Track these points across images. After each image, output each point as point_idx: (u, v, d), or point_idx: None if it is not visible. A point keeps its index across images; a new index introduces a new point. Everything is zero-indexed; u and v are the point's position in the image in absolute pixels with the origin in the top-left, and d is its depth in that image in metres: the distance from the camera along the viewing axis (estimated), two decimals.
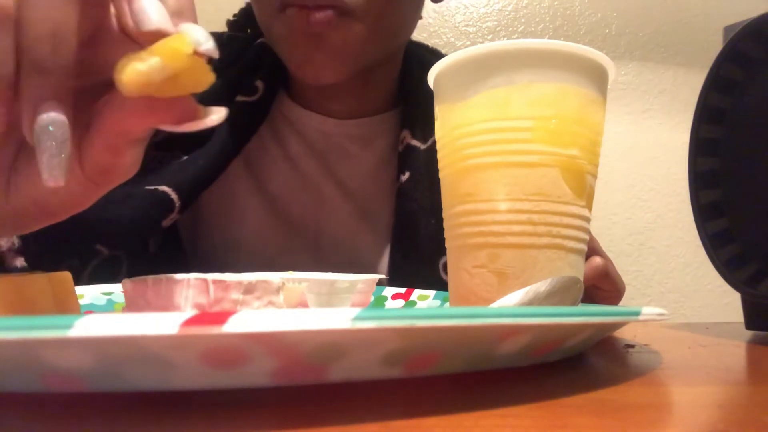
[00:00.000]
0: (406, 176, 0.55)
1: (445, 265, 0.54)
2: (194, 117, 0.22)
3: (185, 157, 0.51)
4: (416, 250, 0.54)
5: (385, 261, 0.57)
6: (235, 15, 0.64)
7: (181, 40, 0.20)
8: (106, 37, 0.22)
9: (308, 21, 0.45)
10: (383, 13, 0.47)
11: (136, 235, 0.48)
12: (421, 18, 0.55)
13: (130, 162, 0.24)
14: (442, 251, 0.54)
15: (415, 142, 0.56)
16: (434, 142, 0.33)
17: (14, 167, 0.24)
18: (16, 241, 0.45)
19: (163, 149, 0.52)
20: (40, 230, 0.47)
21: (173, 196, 0.49)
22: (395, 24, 0.50)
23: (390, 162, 0.59)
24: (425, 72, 0.33)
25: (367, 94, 0.58)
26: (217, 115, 0.22)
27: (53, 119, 0.20)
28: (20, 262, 0.45)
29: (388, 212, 0.57)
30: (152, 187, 0.48)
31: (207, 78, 0.21)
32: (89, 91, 0.23)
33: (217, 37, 0.60)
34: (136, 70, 0.20)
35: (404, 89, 0.59)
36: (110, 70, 0.21)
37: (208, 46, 0.21)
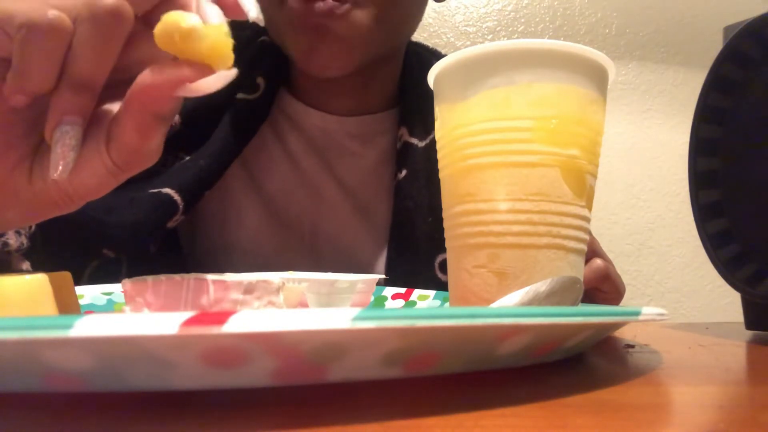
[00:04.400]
0: (403, 174, 0.55)
1: (441, 264, 0.54)
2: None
3: (187, 158, 0.51)
4: (412, 248, 0.54)
5: (382, 260, 0.57)
6: None
7: (218, 28, 0.23)
8: (135, 41, 0.25)
9: (311, 10, 0.45)
10: (388, 3, 0.47)
11: (141, 238, 0.49)
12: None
13: (155, 146, 0.26)
14: (439, 250, 0.54)
15: (413, 140, 0.56)
16: (433, 140, 0.33)
17: (39, 153, 0.26)
18: (24, 241, 0.45)
19: (165, 152, 0.52)
20: (49, 234, 0.47)
21: (176, 198, 0.49)
22: (400, 16, 0.50)
23: (389, 160, 0.59)
24: (425, 71, 0.33)
25: (368, 91, 0.58)
26: (227, 72, 0.24)
27: (71, 129, 0.24)
28: (26, 266, 0.45)
29: (386, 210, 0.57)
30: (155, 190, 0.48)
31: (228, 61, 0.24)
32: (117, 85, 0.26)
33: None
34: (177, 25, 0.22)
35: (404, 88, 0.59)
36: (137, 69, 0.25)
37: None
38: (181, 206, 0.49)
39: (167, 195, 0.49)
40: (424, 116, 0.56)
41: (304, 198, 0.57)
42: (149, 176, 0.50)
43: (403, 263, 0.54)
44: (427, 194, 0.54)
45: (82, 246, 0.47)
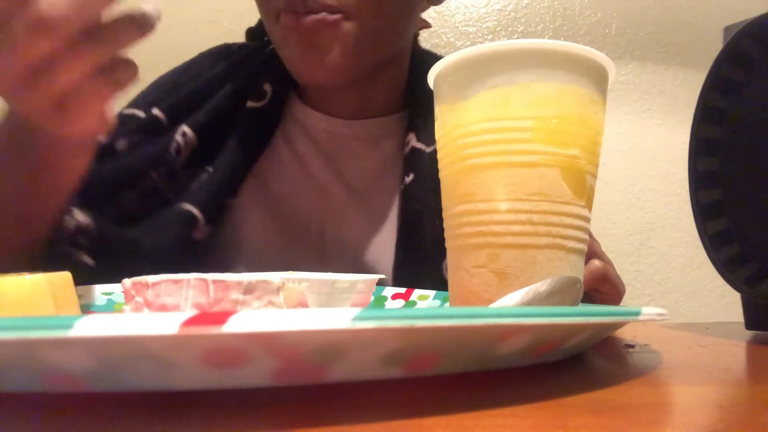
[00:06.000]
0: (410, 178, 0.56)
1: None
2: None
3: (210, 170, 0.54)
4: (420, 250, 0.54)
5: (388, 261, 0.57)
6: (254, 26, 0.67)
7: None
8: None
9: (302, 24, 0.47)
10: (374, 12, 0.48)
11: (173, 254, 0.51)
12: (429, 27, 0.57)
13: None
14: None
15: (420, 145, 0.57)
16: None
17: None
18: (91, 224, 0.46)
19: (190, 166, 0.54)
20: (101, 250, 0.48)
21: (196, 213, 0.52)
22: (387, 24, 0.51)
23: (396, 163, 0.60)
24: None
25: (373, 95, 0.59)
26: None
27: None
28: (89, 260, 0.47)
29: (393, 213, 0.58)
30: (179, 209, 0.52)
31: None
32: None
33: (226, 47, 0.64)
34: None
35: (411, 93, 0.60)
36: None
37: None
38: (201, 221, 0.52)
39: (188, 212, 0.52)
40: (430, 123, 0.57)
41: (311, 200, 0.58)
42: (177, 194, 0.53)
43: (411, 265, 0.54)
44: (435, 198, 0.55)
45: (127, 263, 0.48)
